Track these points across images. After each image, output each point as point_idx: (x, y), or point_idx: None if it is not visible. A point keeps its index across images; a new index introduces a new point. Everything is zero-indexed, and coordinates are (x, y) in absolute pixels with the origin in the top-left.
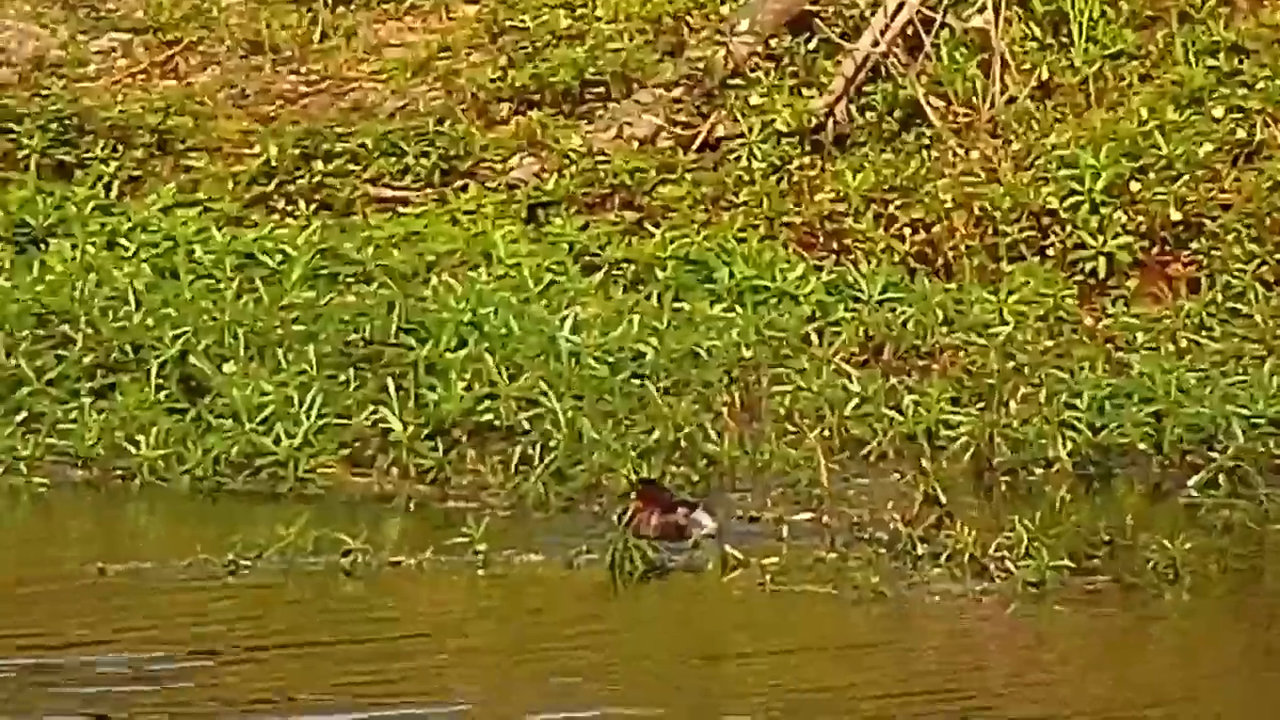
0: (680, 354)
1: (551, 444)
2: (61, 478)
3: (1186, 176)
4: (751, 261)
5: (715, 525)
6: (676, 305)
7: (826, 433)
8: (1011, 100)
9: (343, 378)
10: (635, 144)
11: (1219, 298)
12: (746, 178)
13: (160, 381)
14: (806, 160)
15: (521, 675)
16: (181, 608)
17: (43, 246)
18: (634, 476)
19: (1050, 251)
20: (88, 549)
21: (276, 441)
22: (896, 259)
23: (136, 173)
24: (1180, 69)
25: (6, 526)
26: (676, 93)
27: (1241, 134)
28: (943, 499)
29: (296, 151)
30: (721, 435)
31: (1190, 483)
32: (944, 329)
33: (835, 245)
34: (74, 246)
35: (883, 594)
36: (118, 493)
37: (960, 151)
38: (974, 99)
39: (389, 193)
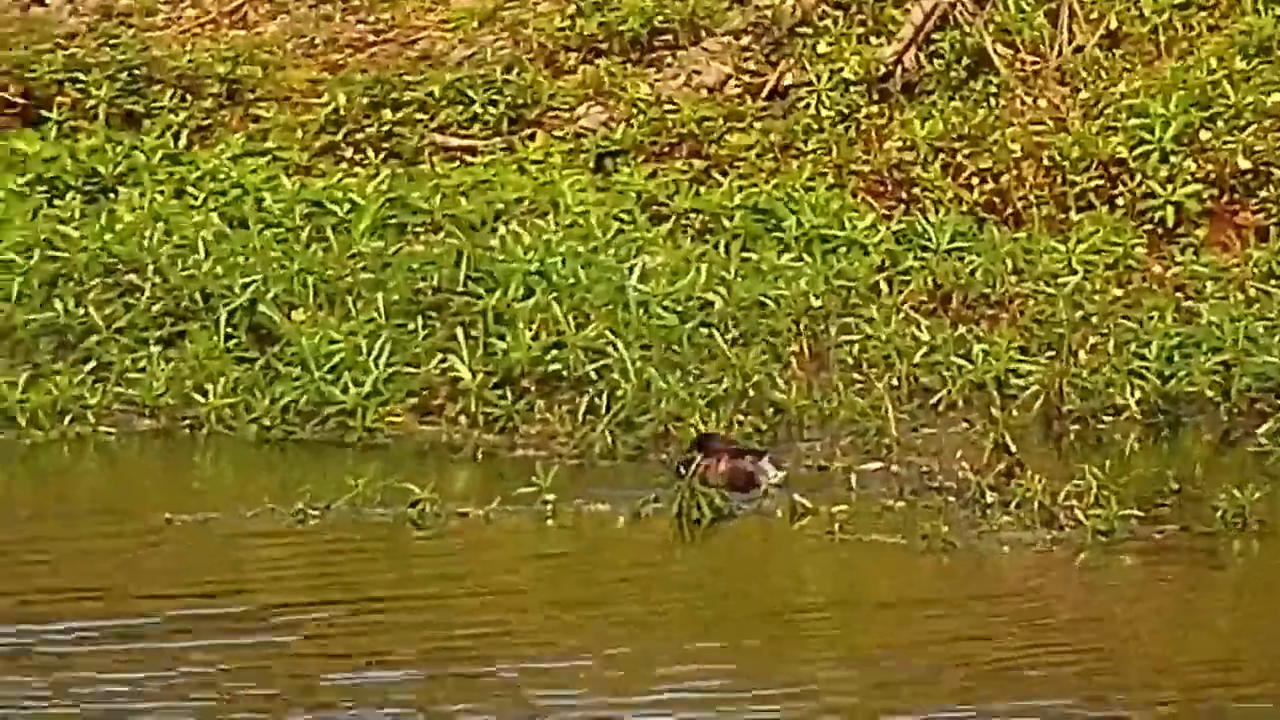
0: (749, 303)
1: (619, 393)
2: (129, 427)
3: (1255, 125)
4: (820, 210)
5: (782, 475)
6: (745, 254)
7: (895, 382)
8: (1079, 49)
9: (411, 326)
10: (703, 92)
11: None
12: (815, 126)
13: (229, 330)
14: (874, 109)
15: (589, 627)
16: (252, 559)
17: (112, 196)
18: (700, 428)
19: (1119, 201)
20: (155, 499)
21: (345, 390)
22: (965, 208)
23: (205, 122)
24: (1249, 18)
25: (75, 475)
26: (745, 41)
27: None
28: (1012, 448)
29: (365, 100)
30: (790, 384)
31: (1259, 431)
32: (1013, 278)
33: (904, 194)
34: (143, 195)
35: (952, 543)
36: (185, 442)
37: (1028, 100)
38: (1042, 47)
39: (457, 141)
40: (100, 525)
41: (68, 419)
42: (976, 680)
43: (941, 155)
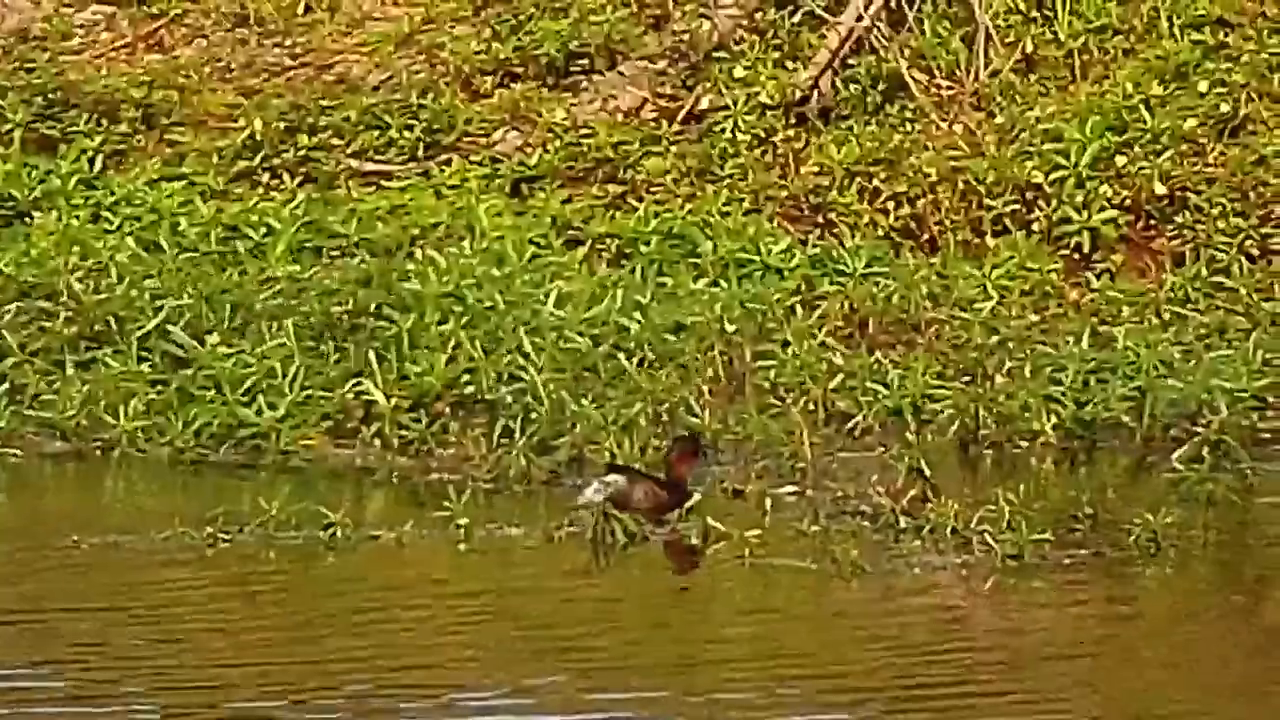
0: (664, 328)
1: (534, 417)
2: (41, 449)
3: (1171, 151)
4: (735, 235)
5: (599, 495)
6: (660, 280)
7: (810, 407)
8: (995, 73)
9: (325, 350)
10: (619, 117)
11: (1203, 271)
12: (731, 151)
13: (143, 353)
14: (791, 133)
15: (500, 651)
16: (159, 583)
17: (27, 220)
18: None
19: (1035, 226)
20: (63, 521)
21: (259, 413)
22: (881, 233)
23: (121, 147)
24: (1165, 43)
25: None
26: (661, 65)
27: (1226, 108)
28: (927, 473)
29: (281, 125)
30: (704, 409)
31: (1174, 456)
32: (928, 303)
33: (820, 219)
34: (58, 220)
35: (863, 568)
36: (97, 464)
37: (944, 125)
38: (957, 72)
39: (373, 166)
40: (5, 549)
41: None
42: (886, 703)
43: (857, 180)
